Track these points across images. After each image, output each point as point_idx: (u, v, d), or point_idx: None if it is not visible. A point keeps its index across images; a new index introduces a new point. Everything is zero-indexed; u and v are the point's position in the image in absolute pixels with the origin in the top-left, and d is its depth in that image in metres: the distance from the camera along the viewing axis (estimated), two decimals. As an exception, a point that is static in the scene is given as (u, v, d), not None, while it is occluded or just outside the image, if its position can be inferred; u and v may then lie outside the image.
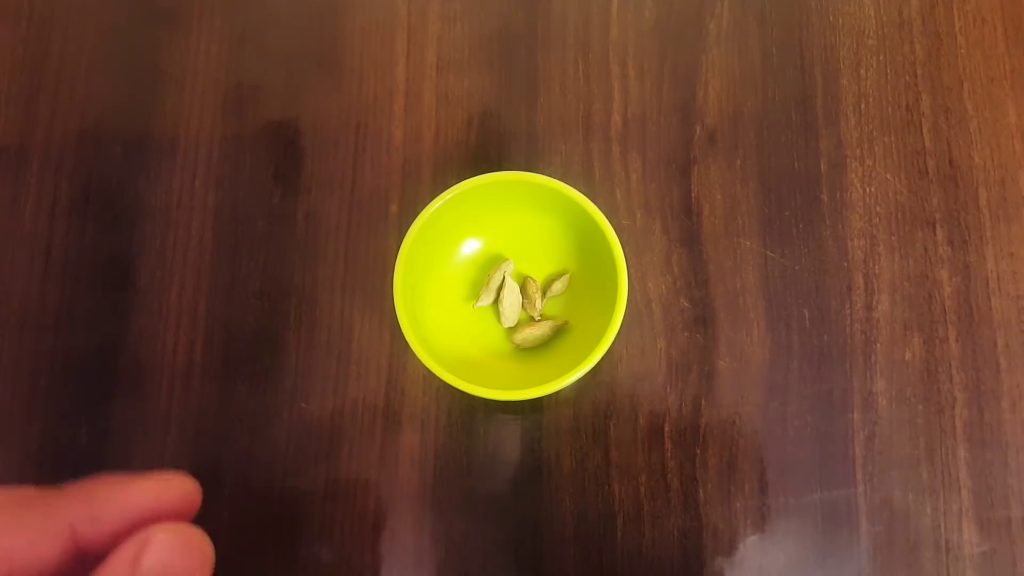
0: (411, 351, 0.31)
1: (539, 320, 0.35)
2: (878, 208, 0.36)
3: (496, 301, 0.35)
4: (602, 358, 0.34)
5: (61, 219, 0.38)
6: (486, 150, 0.37)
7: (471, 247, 0.36)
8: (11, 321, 0.37)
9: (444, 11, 0.39)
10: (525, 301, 0.35)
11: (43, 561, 0.21)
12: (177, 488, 0.22)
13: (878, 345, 0.35)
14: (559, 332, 0.35)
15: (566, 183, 0.33)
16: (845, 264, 0.36)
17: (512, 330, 0.35)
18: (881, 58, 0.38)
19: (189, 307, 0.36)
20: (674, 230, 0.36)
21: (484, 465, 0.35)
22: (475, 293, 0.35)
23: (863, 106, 0.37)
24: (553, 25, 0.39)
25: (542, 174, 0.33)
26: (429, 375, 0.31)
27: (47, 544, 0.21)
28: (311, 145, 0.38)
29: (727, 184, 0.37)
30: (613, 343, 0.35)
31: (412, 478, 0.34)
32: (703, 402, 0.34)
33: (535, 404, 0.35)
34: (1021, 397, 0.34)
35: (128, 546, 0.20)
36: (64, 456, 0.35)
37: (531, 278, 0.35)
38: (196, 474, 0.27)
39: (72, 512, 0.21)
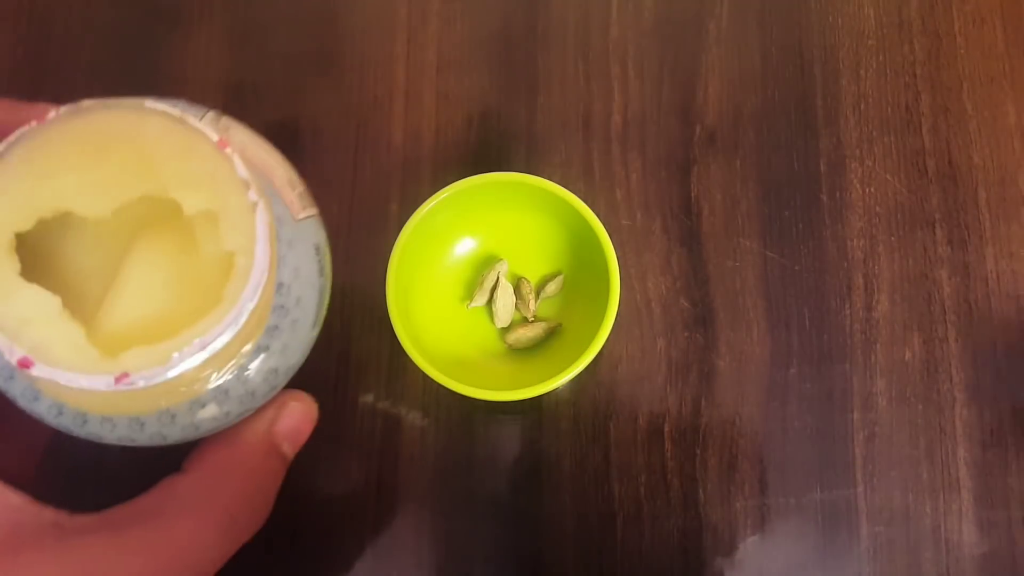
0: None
1: (532, 321, 0.35)
2: (878, 208, 0.36)
3: (490, 301, 0.35)
4: (602, 358, 0.34)
5: (61, 219, 0.38)
6: (486, 150, 0.38)
7: (465, 247, 0.36)
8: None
9: (444, 11, 0.39)
10: (519, 302, 0.35)
11: None
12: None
13: (878, 345, 0.35)
14: (552, 333, 0.35)
15: (566, 183, 0.33)
16: (845, 264, 0.36)
17: (505, 330, 0.35)
18: (881, 58, 0.38)
19: (189, 307, 0.36)
20: (674, 230, 0.36)
21: (484, 465, 0.35)
22: (469, 293, 0.35)
23: (863, 106, 0.37)
24: (553, 25, 0.39)
25: (542, 174, 0.33)
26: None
27: None
28: (311, 145, 0.38)
29: (727, 184, 0.37)
30: (613, 343, 0.35)
31: (412, 478, 0.34)
32: (703, 402, 0.34)
33: (535, 404, 0.35)
34: (1021, 397, 0.34)
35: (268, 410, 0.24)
36: (63, 454, 0.35)
37: (525, 279, 0.35)
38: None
39: None
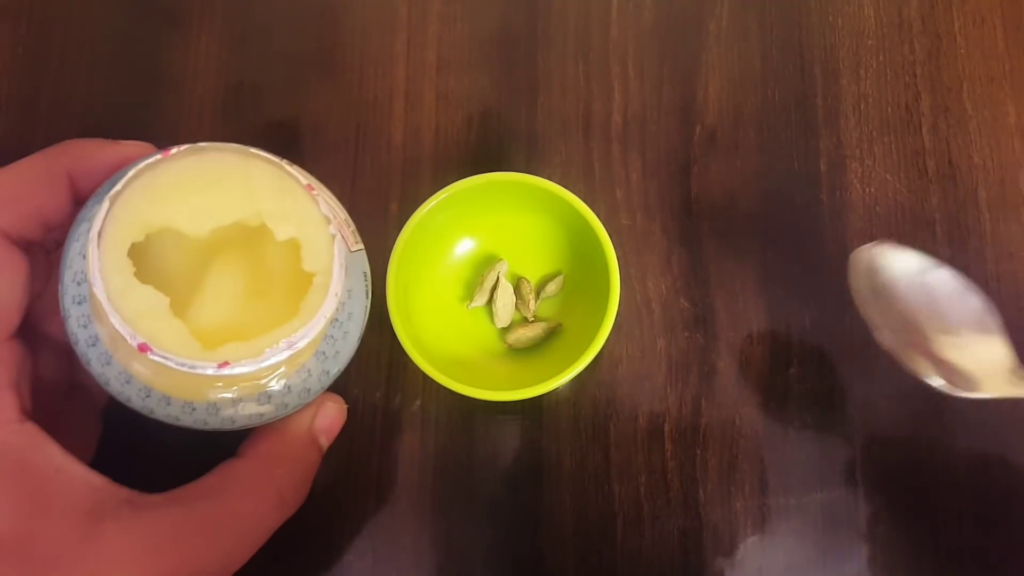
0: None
1: (532, 321, 0.35)
2: (878, 208, 0.36)
3: (490, 301, 0.35)
4: (602, 358, 0.34)
5: (61, 219, 0.38)
6: (486, 150, 0.38)
7: (465, 247, 0.36)
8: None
9: (444, 11, 0.39)
10: (519, 302, 0.35)
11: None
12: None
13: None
14: (552, 333, 0.35)
15: (566, 183, 0.33)
16: (845, 264, 0.36)
17: (505, 331, 0.35)
18: (881, 58, 0.38)
19: (189, 307, 0.36)
20: (674, 230, 0.36)
21: (484, 465, 0.35)
22: (469, 293, 0.35)
23: (863, 106, 0.37)
24: (553, 25, 0.39)
25: (542, 174, 0.33)
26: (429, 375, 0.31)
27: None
28: (311, 145, 0.38)
29: (727, 184, 0.37)
30: (613, 343, 0.35)
31: (412, 478, 0.34)
32: (703, 402, 0.35)
33: (535, 404, 0.35)
34: (1020, 399, 0.34)
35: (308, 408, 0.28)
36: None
37: (525, 279, 0.35)
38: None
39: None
